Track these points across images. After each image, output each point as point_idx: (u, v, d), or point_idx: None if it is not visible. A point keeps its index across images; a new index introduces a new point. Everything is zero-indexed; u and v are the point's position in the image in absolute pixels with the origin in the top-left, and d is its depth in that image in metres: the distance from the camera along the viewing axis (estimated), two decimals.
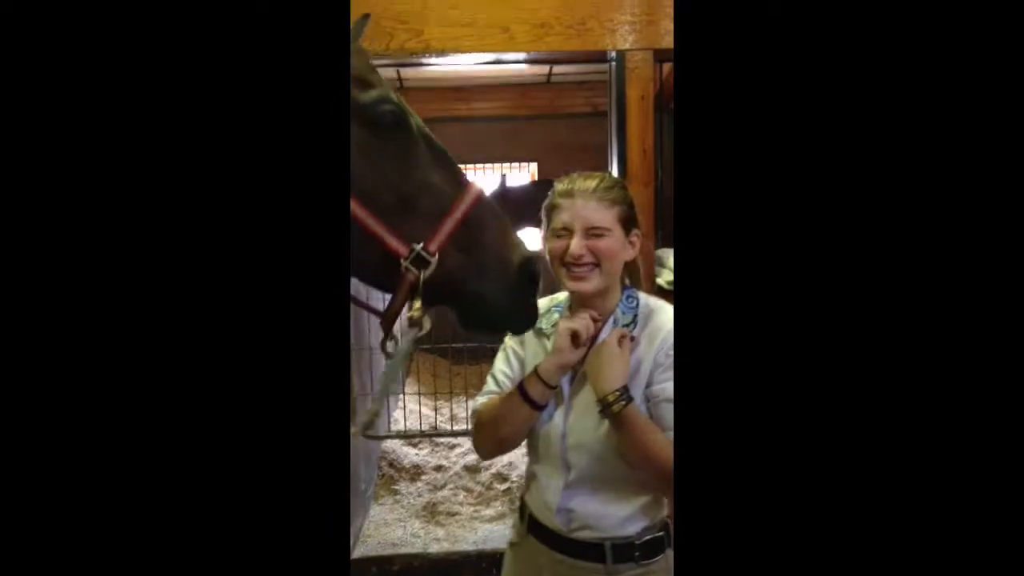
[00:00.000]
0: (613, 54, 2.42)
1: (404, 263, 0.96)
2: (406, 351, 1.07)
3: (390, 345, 1.05)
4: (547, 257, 1.26)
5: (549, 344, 1.27)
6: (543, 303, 1.34)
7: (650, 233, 2.33)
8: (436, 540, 3.03)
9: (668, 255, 2.59)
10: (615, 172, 2.53)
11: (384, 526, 3.16)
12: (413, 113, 1.03)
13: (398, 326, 1.04)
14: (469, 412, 1.37)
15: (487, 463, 3.71)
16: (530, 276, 1.04)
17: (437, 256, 0.97)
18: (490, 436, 1.30)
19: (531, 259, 1.04)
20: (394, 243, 0.96)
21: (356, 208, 0.93)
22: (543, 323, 1.29)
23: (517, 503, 1.39)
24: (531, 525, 1.29)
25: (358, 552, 2.91)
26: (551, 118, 6.14)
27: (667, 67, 2.75)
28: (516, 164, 6.80)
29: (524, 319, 1.10)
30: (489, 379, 1.37)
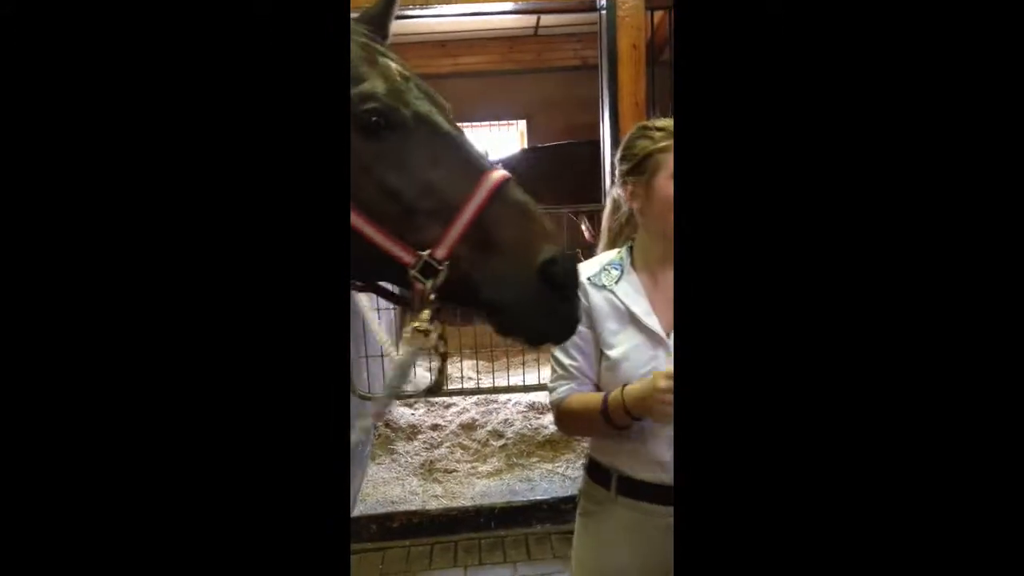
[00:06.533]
0: (603, 2, 2.34)
1: (412, 272, 0.89)
2: (406, 362, 1.00)
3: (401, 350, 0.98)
4: (654, 208, 1.22)
5: (615, 299, 1.26)
6: (592, 264, 1.32)
7: None
8: (435, 497, 3.08)
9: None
10: (607, 126, 2.49)
11: (383, 484, 3.21)
12: (415, 101, 0.92)
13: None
14: (548, 402, 1.35)
15: (483, 421, 3.76)
16: (553, 282, 0.89)
17: (448, 263, 0.88)
18: (575, 432, 1.33)
19: (554, 260, 0.89)
20: (398, 253, 0.89)
21: (356, 219, 0.87)
22: (603, 279, 1.28)
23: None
24: (623, 486, 1.26)
25: (358, 511, 2.96)
26: (539, 72, 6.01)
27: (659, 15, 2.67)
28: (505, 122, 6.69)
29: (556, 329, 0.96)
30: (555, 365, 1.32)
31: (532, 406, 3.85)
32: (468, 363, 4.35)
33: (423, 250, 0.89)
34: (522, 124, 6.65)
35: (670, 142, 1.20)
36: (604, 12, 2.35)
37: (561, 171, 5.30)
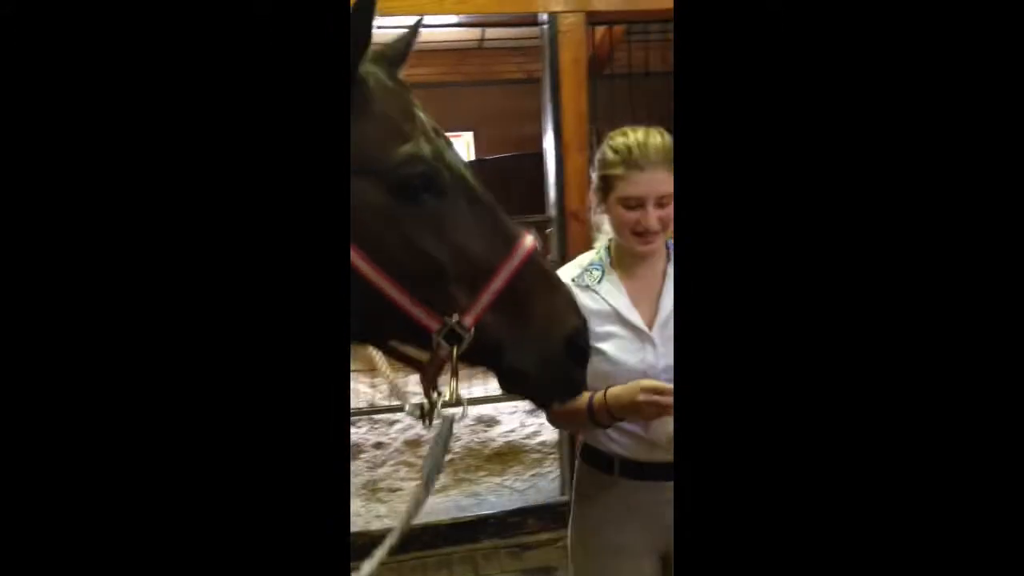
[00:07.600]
0: (545, 16, 2.36)
1: (436, 338, 0.87)
2: (446, 434, 0.98)
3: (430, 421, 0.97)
4: (611, 222, 1.33)
5: (599, 298, 1.33)
6: (573, 267, 1.40)
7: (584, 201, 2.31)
8: (378, 517, 3.00)
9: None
10: (551, 138, 2.50)
11: None
12: (454, 162, 0.91)
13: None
14: None
15: (428, 437, 3.69)
16: (575, 353, 0.93)
17: (473, 330, 0.87)
18: (568, 428, 1.45)
19: (579, 332, 0.93)
20: (423, 318, 0.86)
21: (381, 280, 0.84)
22: (586, 280, 1.36)
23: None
24: (626, 468, 1.33)
25: None
26: (485, 84, 6.03)
27: (599, 31, 2.71)
28: (453, 133, 6.67)
29: (565, 392, 1.00)
30: None
31: (479, 419, 3.81)
32: (413, 377, 4.28)
33: (449, 315, 0.87)
34: (469, 136, 6.65)
35: (620, 170, 1.28)
36: (546, 27, 2.37)
37: (508, 183, 5.31)
